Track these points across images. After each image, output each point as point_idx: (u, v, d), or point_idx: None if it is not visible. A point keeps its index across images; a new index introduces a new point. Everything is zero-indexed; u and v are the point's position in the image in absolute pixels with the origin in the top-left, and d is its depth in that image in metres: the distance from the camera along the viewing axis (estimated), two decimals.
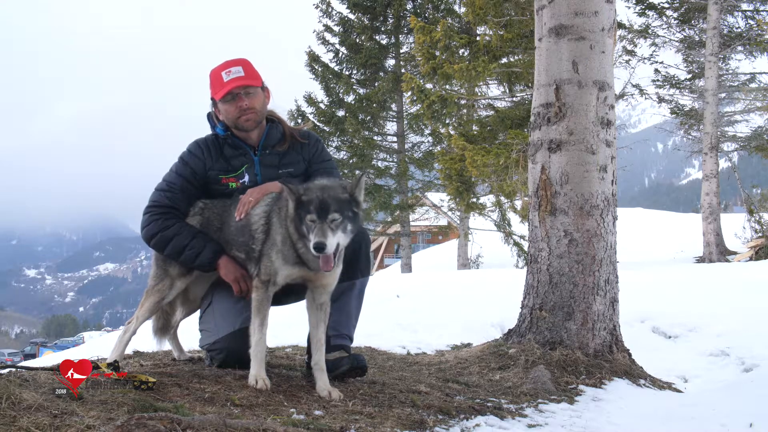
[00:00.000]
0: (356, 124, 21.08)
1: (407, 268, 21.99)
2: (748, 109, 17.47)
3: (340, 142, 22.05)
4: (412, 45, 20.47)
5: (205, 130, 3.44)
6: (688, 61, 18.18)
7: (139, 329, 3.25)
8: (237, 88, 3.22)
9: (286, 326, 5.12)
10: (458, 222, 21.68)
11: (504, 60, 15.42)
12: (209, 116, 3.41)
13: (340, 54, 22.32)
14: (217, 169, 3.28)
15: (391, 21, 22.17)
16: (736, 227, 16.57)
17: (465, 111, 17.50)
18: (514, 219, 19.39)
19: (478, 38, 15.63)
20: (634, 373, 4.15)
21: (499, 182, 14.91)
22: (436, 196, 26.10)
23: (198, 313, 3.47)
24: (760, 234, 15.84)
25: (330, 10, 22.26)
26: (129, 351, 3.65)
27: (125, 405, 2.22)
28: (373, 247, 35.29)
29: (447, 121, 17.66)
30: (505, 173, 14.14)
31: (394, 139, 22.85)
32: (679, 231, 23.42)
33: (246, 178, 3.27)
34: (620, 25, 16.49)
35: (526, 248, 17.86)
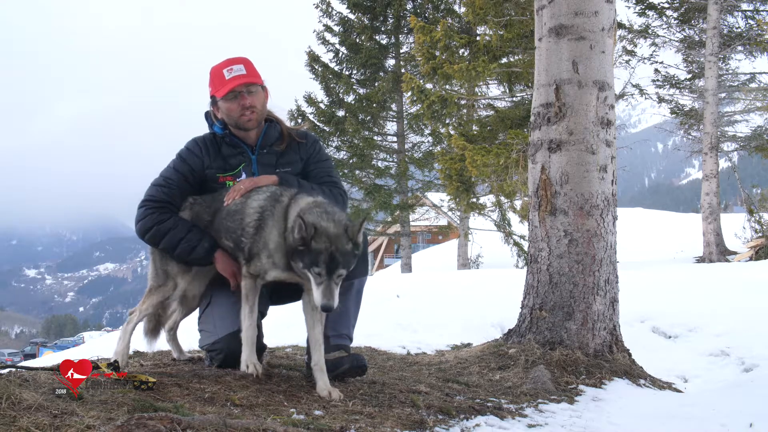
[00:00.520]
0: (356, 124, 21.07)
1: (407, 268, 21.99)
2: (748, 109, 17.47)
3: (340, 142, 22.03)
4: (412, 45, 20.47)
5: (205, 130, 3.43)
6: (688, 61, 18.17)
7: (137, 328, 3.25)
8: (240, 86, 3.21)
9: (286, 326, 5.11)
10: (458, 222, 21.67)
11: (504, 60, 15.43)
12: (207, 115, 3.40)
13: (340, 54, 22.31)
14: (215, 167, 3.28)
15: (391, 21, 22.15)
16: (736, 227, 16.56)
17: (465, 111, 17.49)
18: (514, 219, 19.39)
19: (478, 38, 15.63)
20: (634, 373, 4.15)
21: (499, 182, 14.91)
22: (436, 196, 26.08)
23: (197, 312, 3.47)
24: (760, 234, 15.83)
25: (330, 10, 22.25)
26: (129, 351, 3.65)
27: (125, 405, 2.22)
28: (373, 247, 35.36)
29: (447, 121, 17.65)
30: (505, 173, 14.14)
31: (394, 139, 22.84)
32: (679, 231, 23.45)
33: (243, 177, 3.26)
34: (620, 25, 16.50)
35: (526, 248, 17.87)
